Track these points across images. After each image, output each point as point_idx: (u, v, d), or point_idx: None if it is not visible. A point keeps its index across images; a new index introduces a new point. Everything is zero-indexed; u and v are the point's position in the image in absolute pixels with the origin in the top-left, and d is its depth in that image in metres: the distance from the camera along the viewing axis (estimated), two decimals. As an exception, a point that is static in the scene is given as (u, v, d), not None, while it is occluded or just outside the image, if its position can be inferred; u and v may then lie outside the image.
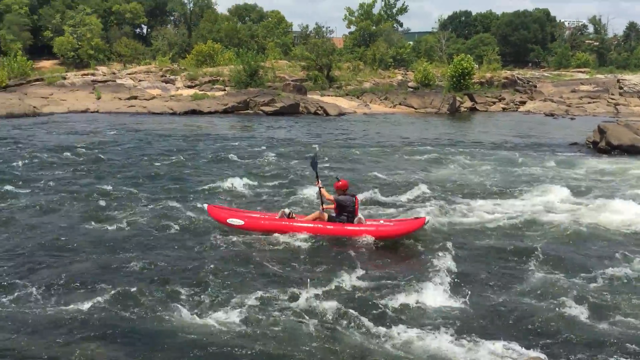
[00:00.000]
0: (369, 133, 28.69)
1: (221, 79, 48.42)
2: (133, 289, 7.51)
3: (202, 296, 7.48)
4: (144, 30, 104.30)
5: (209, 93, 42.42)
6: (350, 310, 7.00)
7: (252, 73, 44.50)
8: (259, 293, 7.51)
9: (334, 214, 10.34)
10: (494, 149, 22.63)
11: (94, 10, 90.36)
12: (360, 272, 8.51)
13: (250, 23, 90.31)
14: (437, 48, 75.93)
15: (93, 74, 48.04)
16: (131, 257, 8.89)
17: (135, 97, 39.96)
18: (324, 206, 10.51)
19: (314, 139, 25.40)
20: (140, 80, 47.06)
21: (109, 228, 10.43)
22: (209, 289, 7.65)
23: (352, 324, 6.76)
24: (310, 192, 13.23)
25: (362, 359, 6.13)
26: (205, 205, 11.08)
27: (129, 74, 50.08)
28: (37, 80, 42.82)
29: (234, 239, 10.01)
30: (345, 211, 10.21)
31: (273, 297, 7.45)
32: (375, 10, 78.29)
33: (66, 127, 27.39)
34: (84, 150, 19.48)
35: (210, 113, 36.95)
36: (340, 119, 37.13)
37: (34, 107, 33.85)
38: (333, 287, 7.87)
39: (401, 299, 7.48)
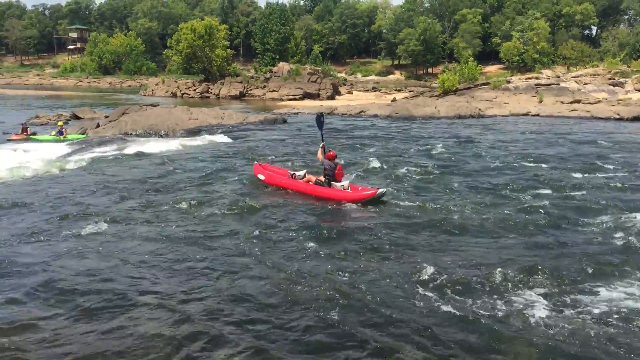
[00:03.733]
0: None
1: (684, 81, 42.32)
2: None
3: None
4: (593, 32, 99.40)
5: (666, 97, 37.61)
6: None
7: None
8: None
9: (322, 179, 12.71)
10: None
11: (543, 14, 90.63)
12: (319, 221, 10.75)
13: None
14: None
15: (537, 78, 48.13)
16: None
17: (578, 101, 38.33)
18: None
19: None
20: (585, 84, 44.92)
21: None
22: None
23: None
24: None
25: None
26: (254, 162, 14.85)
27: (574, 77, 48.35)
28: (483, 84, 45.28)
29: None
30: (326, 175, 12.65)
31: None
32: None
33: (505, 128, 28.13)
34: (500, 151, 19.65)
35: (666, 119, 32.68)
36: None
37: (479, 109, 35.96)
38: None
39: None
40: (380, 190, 12.04)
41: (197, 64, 63.56)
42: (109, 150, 19.74)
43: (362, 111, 35.64)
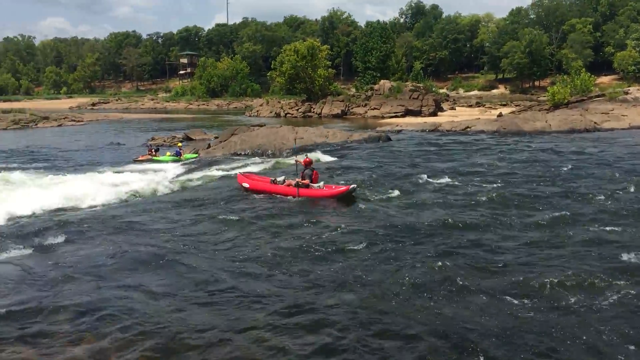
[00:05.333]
0: None
1: None
2: None
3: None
4: None
5: None
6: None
7: None
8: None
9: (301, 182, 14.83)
10: None
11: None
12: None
13: None
14: None
15: (658, 88, 44.94)
16: None
17: None
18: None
19: None
20: None
21: None
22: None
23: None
24: None
25: None
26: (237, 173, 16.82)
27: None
28: (597, 96, 42.88)
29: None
30: (303, 178, 14.83)
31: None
32: None
33: (624, 142, 26.37)
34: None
35: None
36: None
37: (595, 122, 34.04)
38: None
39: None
40: (352, 186, 14.39)
41: (299, 84, 64.96)
42: (219, 170, 20.58)
43: (468, 127, 34.79)
